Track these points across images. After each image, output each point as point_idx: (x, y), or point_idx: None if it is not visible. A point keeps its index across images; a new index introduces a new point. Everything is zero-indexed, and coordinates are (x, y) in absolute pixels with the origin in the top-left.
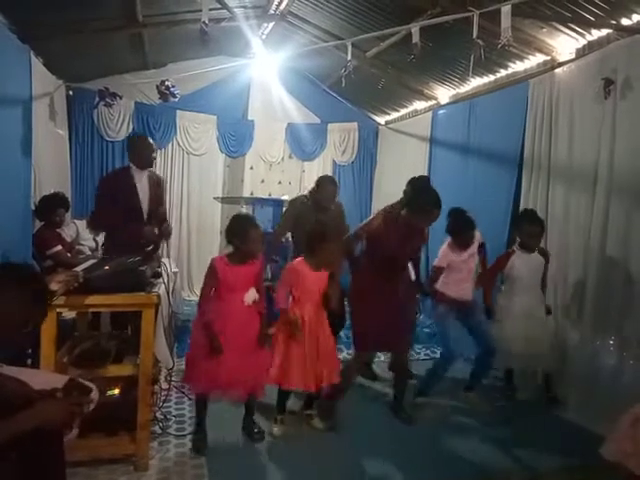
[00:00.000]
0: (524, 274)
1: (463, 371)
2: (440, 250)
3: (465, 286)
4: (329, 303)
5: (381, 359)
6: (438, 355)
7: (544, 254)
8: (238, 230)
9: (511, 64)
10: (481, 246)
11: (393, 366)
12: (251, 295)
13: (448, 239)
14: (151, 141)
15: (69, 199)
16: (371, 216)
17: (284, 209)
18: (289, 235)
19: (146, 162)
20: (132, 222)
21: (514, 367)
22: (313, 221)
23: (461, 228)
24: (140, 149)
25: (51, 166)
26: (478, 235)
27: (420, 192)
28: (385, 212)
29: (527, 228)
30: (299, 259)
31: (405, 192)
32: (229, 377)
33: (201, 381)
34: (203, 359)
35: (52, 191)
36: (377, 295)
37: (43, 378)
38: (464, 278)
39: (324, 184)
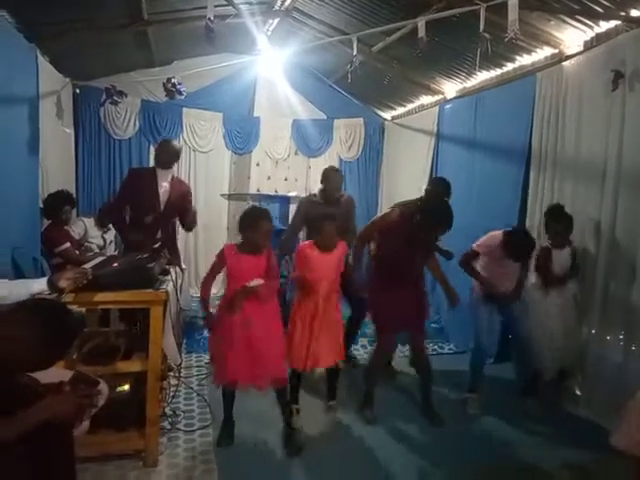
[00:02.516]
0: (556, 270)
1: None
2: (488, 236)
3: (506, 281)
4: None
5: (405, 354)
6: (446, 350)
7: (572, 248)
8: (249, 221)
9: (518, 57)
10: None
11: (413, 359)
12: (255, 284)
13: (499, 234)
14: (173, 145)
15: (74, 197)
16: (386, 211)
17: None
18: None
19: (163, 163)
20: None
21: (546, 365)
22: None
23: (519, 253)
24: (161, 152)
25: (58, 164)
26: None
27: (432, 205)
28: (402, 208)
29: (553, 226)
30: (308, 242)
31: (426, 191)
32: (247, 366)
33: (223, 373)
34: (222, 351)
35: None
36: (390, 286)
37: (50, 372)
38: (504, 275)
39: (329, 174)
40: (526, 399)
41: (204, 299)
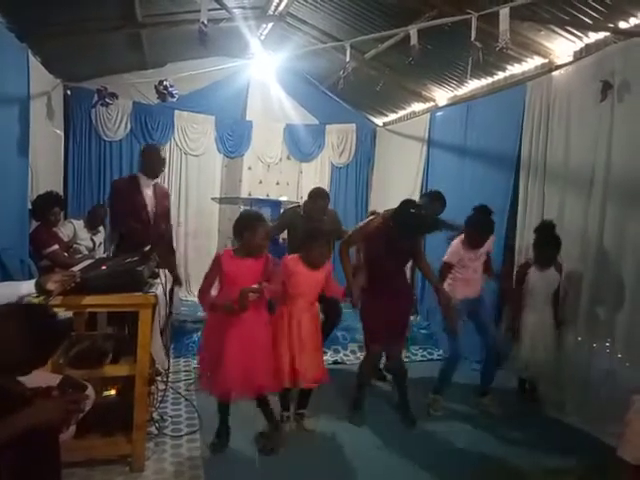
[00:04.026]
0: (537, 290)
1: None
2: (451, 246)
3: (472, 285)
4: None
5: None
6: (435, 356)
7: (559, 268)
8: (247, 225)
9: (509, 66)
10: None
11: (390, 365)
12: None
13: (461, 236)
14: (161, 153)
15: (63, 198)
16: (366, 219)
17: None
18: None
19: (152, 173)
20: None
21: (521, 376)
22: (304, 229)
23: (481, 227)
24: (151, 161)
25: (48, 165)
26: (491, 239)
27: (403, 214)
28: (382, 217)
29: (543, 247)
30: (294, 256)
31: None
32: (238, 374)
33: (214, 382)
34: (213, 359)
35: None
36: (378, 295)
37: (37, 377)
38: (471, 277)
39: (314, 198)
40: (483, 398)
41: (209, 302)
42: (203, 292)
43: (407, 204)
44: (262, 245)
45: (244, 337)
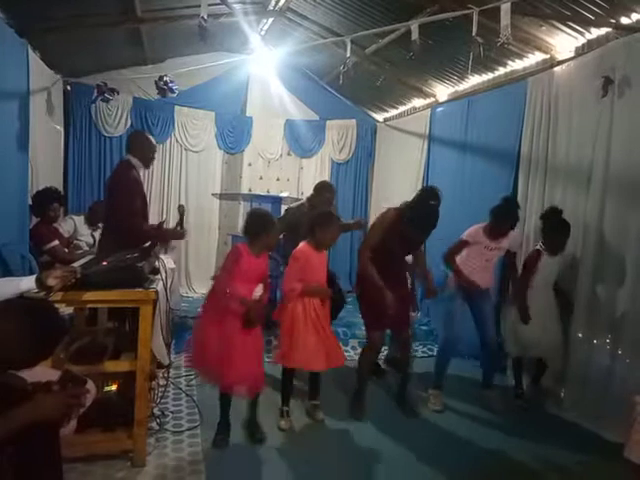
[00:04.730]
0: (546, 274)
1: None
2: (471, 227)
3: (481, 276)
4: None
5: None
6: (435, 353)
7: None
8: (267, 223)
9: (510, 62)
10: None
11: (399, 351)
12: (259, 290)
13: (484, 223)
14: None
15: (63, 194)
16: (380, 214)
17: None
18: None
19: (151, 161)
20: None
21: (523, 357)
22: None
23: (503, 217)
24: (149, 147)
25: (47, 161)
26: (516, 236)
27: (419, 211)
28: (396, 211)
29: (554, 236)
30: (303, 244)
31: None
32: (241, 372)
33: (222, 375)
34: (213, 355)
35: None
36: (383, 281)
37: (37, 372)
38: (480, 268)
39: (320, 190)
40: (486, 392)
41: (239, 295)
42: (229, 284)
43: (424, 202)
44: (276, 242)
45: (245, 336)
